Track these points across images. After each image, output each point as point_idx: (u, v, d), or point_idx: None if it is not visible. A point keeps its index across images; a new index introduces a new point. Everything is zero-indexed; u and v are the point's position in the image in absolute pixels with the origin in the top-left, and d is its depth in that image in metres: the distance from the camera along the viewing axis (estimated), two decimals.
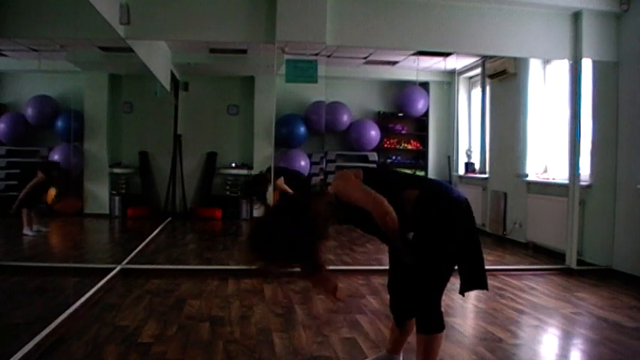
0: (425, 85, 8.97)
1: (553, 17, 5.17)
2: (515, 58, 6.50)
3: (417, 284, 2.21)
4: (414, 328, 2.32)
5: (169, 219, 8.46)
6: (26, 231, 5.68)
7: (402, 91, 8.94)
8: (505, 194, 6.93)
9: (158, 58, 6.56)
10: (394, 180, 2.33)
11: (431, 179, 2.37)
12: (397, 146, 9.13)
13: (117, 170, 8.54)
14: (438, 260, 2.18)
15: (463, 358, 2.81)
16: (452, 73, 8.71)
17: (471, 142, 8.53)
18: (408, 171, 8.11)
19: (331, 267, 5.00)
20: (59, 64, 6.67)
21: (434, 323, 2.21)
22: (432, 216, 2.17)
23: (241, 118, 9.17)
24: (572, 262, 5.23)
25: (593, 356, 2.99)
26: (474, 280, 2.28)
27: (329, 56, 6.99)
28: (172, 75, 8.00)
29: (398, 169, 2.27)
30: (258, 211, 6.20)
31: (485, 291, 2.39)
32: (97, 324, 3.22)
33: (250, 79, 8.91)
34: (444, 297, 2.28)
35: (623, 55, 5.11)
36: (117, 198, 8.45)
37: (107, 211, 8.32)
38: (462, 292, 2.28)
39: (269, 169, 5.62)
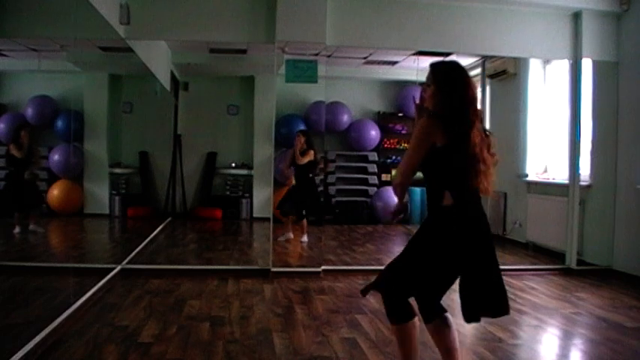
0: None
1: (553, 17, 5.17)
2: (515, 58, 6.48)
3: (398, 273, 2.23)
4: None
5: (169, 219, 8.47)
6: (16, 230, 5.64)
7: (401, 91, 8.93)
8: (505, 194, 6.92)
9: (158, 58, 6.56)
10: (453, 172, 2.31)
11: (469, 199, 2.40)
12: (397, 146, 9.12)
13: (117, 170, 8.51)
14: (421, 263, 2.21)
15: (463, 358, 2.80)
16: None
17: None
18: None
19: (331, 267, 5.04)
20: (59, 64, 6.63)
21: (392, 313, 2.23)
22: (439, 238, 2.24)
23: (241, 118, 9.18)
24: (572, 262, 5.22)
25: (593, 356, 2.99)
26: (476, 305, 2.22)
27: (329, 56, 6.97)
28: (172, 75, 7.99)
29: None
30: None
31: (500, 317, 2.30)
32: (97, 324, 3.23)
33: (250, 79, 8.91)
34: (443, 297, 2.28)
35: (623, 55, 5.11)
36: (117, 198, 8.43)
37: (107, 211, 8.29)
38: (467, 320, 2.22)
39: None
